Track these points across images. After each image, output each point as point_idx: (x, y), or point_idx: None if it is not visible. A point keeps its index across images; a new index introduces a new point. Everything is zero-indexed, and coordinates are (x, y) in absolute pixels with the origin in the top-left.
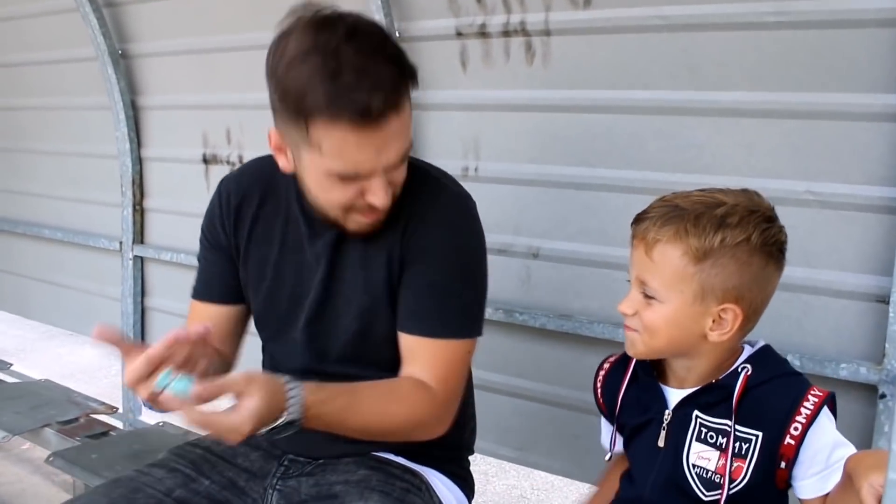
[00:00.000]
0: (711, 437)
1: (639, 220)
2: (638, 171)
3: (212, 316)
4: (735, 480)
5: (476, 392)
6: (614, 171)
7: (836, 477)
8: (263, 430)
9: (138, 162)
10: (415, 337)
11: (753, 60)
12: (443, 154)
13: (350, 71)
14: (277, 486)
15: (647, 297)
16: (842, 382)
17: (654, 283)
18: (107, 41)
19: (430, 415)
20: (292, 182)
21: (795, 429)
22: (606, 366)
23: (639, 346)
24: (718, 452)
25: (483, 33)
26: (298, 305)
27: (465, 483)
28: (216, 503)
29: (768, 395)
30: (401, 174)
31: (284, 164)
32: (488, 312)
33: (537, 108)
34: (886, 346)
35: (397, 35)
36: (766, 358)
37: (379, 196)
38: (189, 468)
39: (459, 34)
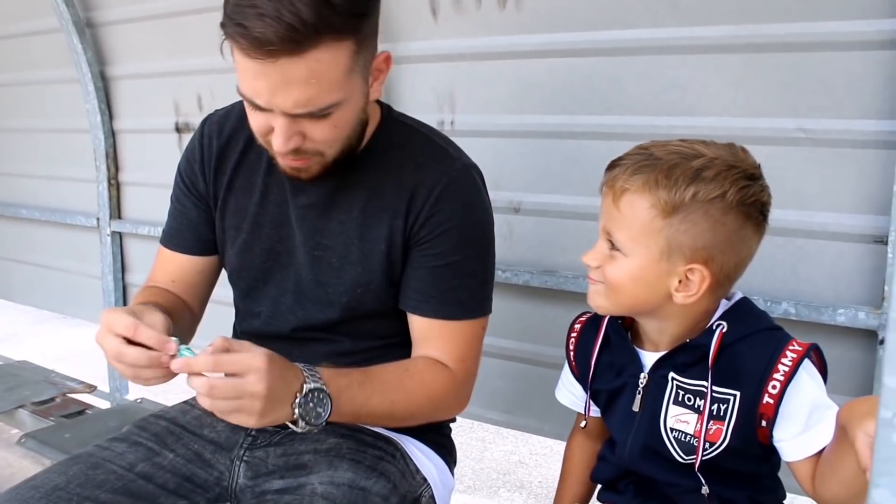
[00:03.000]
0: (689, 399)
1: (611, 166)
2: (620, 117)
3: (180, 266)
4: (714, 443)
5: None
6: (596, 118)
7: (819, 439)
8: (296, 404)
9: (111, 135)
10: (430, 319)
11: None
12: (417, 108)
13: (263, 2)
14: (245, 458)
15: (613, 248)
16: (840, 329)
17: (620, 235)
18: (70, 10)
19: (450, 394)
20: None
21: (773, 387)
22: (577, 326)
23: (601, 300)
24: (696, 415)
25: None
26: (277, 262)
27: (445, 450)
28: (181, 477)
29: (745, 353)
30: (320, 132)
31: None
32: None
33: (513, 55)
34: (886, 288)
35: None
36: (743, 312)
37: (276, 139)
38: (152, 441)
39: None
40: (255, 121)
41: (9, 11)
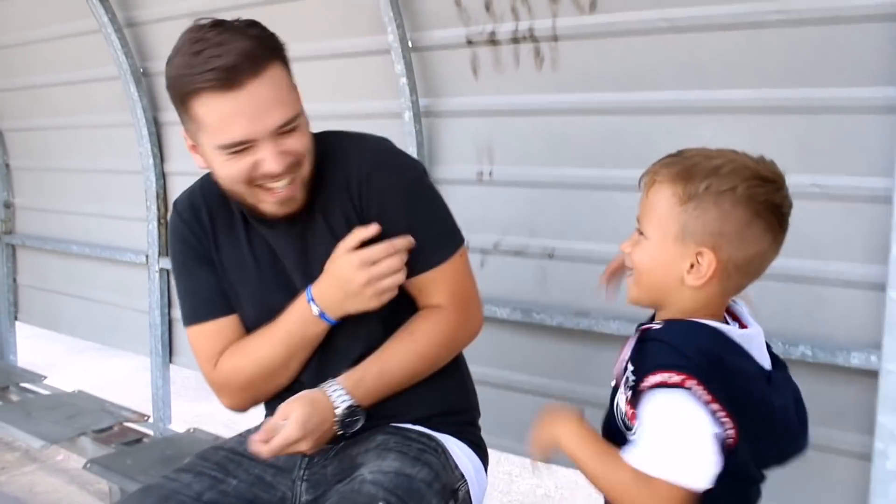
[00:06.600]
0: (628, 382)
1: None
2: None
3: (233, 329)
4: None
5: (496, 390)
6: (625, 171)
7: (633, 453)
8: (336, 428)
9: (161, 177)
10: (417, 276)
11: (757, 58)
12: (457, 160)
13: (209, 47)
14: (305, 477)
15: (640, 234)
16: (853, 371)
17: (646, 220)
18: (129, 60)
19: (454, 327)
20: None
21: (640, 389)
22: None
23: (632, 289)
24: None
25: (493, 41)
26: (289, 297)
27: (480, 450)
28: (246, 501)
29: (651, 350)
30: (296, 143)
31: (199, 161)
32: (506, 313)
33: (548, 112)
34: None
35: (409, 45)
36: (689, 326)
37: (269, 163)
38: (215, 470)
39: (470, 42)
40: (239, 166)
41: (70, 60)
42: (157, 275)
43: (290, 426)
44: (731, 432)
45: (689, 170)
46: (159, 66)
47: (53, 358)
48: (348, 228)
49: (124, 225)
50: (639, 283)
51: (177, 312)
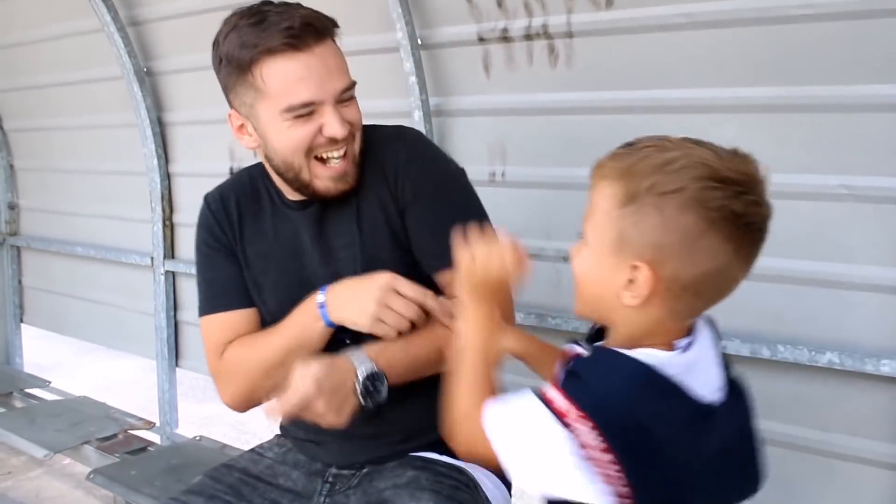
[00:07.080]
0: None
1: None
2: None
3: (246, 322)
4: None
5: None
6: None
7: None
8: (359, 394)
9: (166, 178)
10: (450, 270)
11: (781, 55)
12: (469, 160)
13: (272, 15)
14: None
15: (582, 239)
16: (884, 378)
17: (587, 222)
18: (132, 60)
19: None
20: (268, 176)
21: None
22: None
23: (575, 302)
24: None
25: (505, 38)
26: (309, 288)
27: (503, 476)
28: None
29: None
30: (354, 113)
31: (248, 141)
32: (520, 317)
33: (563, 110)
34: None
35: (419, 42)
36: (614, 361)
37: (333, 126)
38: (229, 494)
39: (481, 39)
40: (303, 132)
41: (73, 60)
42: (162, 277)
43: (306, 380)
44: (626, 490)
45: (634, 164)
46: (163, 65)
47: (60, 358)
48: (384, 214)
49: (129, 226)
50: (579, 296)
51: (183, 315)
